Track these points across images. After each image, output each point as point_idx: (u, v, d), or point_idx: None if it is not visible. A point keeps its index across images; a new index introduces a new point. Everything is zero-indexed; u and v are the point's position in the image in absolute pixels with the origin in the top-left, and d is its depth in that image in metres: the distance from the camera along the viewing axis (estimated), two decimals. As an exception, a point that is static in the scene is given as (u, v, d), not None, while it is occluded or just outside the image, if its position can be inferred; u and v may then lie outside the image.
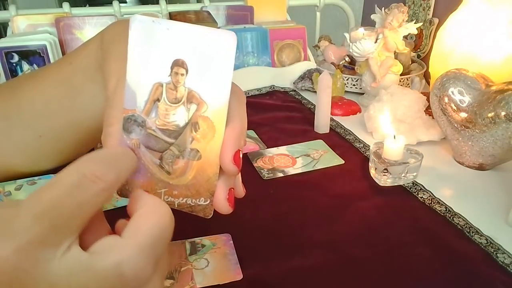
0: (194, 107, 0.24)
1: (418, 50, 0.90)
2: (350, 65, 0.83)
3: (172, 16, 0.87)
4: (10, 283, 0.17)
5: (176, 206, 0.26)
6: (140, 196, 0.23)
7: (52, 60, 0.73)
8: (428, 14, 0.88)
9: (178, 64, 0.23)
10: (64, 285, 0.18)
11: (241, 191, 0.28)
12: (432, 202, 0.44)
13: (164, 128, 0.24)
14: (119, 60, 0.25)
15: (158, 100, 0.24)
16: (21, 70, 0.73)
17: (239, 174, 0.27)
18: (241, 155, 0.25)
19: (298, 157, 0.54)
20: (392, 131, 0.47)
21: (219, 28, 0.87)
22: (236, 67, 0.83)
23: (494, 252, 0.36)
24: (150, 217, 0.22)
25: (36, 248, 0.18)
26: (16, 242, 0.17)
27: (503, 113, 0.45)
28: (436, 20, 0.86)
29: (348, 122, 0.64)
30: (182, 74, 0.23)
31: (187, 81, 0.23)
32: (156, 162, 0.25)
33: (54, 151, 0.43)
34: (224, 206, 0.25)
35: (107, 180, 0.20)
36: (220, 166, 0.25)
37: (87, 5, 0.99)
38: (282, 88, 0.81)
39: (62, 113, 0.40)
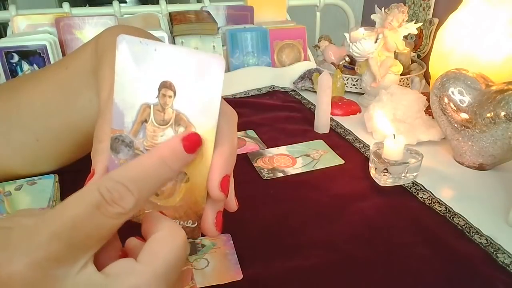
0: (182, 129, 0.23)
1: (418, 50, 0.90)
2: (350, 65, 0.83)
3: (172, 16, 0.87)
4: None
5: None
6: (157, 218, 0.23)
7: (52, 60, 0.73)
8: (428, 14, 0.88)
9: (166, 86, 0.23)
10: None
11: (233, 206, 0.28)
12: (432, 202, 0.44)
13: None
14: (113, 68, 0.25)
15: (146, 121, 0.24)
16: (21, 70, 0.73)
17: (232, 189, 0.27)
18: (229, 180, 0.24)
19: (298, 157, 0.54)
20: (392, 131, 0.47)
21: (219, 28, 0.87)
22: (236, 67, 0.83)
23: (494, 252, 0.36)
24: (168, 244, 0.21)
25: (51, 265, 0.18)
26: (31, 257, 0.17)
27: (503, 113, 0.45)
28: (436, 20, 0.86)
29: (348, 122, 0.64)
30: (170, 96, 0.23)
31: (175, 103, 0.23)
32: None
33: (52, 153, 0.43)
34: (211, 230, 0.25)
35: (125, 206, 0.19)
36: None
37: (87, 5, 0.99)
38: (282, 88, 0.81)
39: (60, 116, 0.40)
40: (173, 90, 0.23)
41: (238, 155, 0.48)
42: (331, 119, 0.64)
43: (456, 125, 0.50)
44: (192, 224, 0.25)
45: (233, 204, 0.27)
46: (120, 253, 0.22)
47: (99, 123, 0.26)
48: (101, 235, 0.19)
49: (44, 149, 0.42)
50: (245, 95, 0.77)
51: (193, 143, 0.22)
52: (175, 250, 0.21)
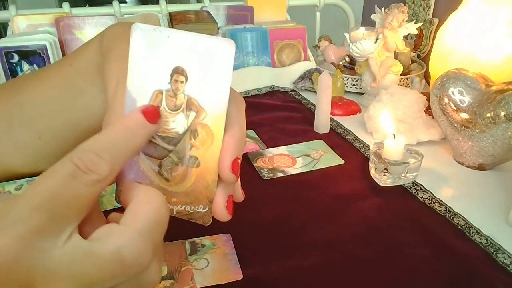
0: (193, 114, 0.24)
1: (418, 50, 0.90)
2: (350, 65, 0.83)
3: (172, 16, 0.87)
4: (12, 272, 0.17)
5: (174, 213, 0.26)
6: (132, 186, 0.23)
7: (52, 60, 0.73)
8: (428, 14, 0.88)
9: (178, 71, 0.24)
10: (66, 273, 0.18)
11: (240, 196, 0.28)
12: (432, 202, 0.44)
13: (164, 135, 0.24)
14: (119, 62, 0.25)
15: (158, 107, 0.24)
16: (21, 70, 0.73)
17: (239, 179, 0.27)
18: (239, 163, 0.25)
19: (298, 157, 0.54)
20: (393, 130, 0.47)
21: (219, 28, 0.87)
22: (236, 67, 0.83)
23: (494, 252, 0.36)
24: (146, 204, 0.22)
25: (36, 237, 0.18)
26: (15, 231, 0.17)
27: (503, 113, 0.45)
28: (436, 20, 0.86)
29: (348, 122, 0.64)
30: (182, 82, 0.24)
31: (187, 89, 0.24)
32: (155, 169, 0.25)
33: (54, 151, 0.43)
34: (222, 214, 0.26)
35: (100, 172, 0.20)
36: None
37: (87, 5, 0.99)
38: (282, 88, 0.81)
39: (62, 114, 0.40)
40: (185, 75, 0.24)
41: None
42: (331, 119, 0.64)
43: (456, 125, 0.50)
44: (203, 209, 0.26)
45: (239, 194, 0.28)
46: (104, 223, 0.23)
47: (107, 113, 0.26)
48: (81, 205, 0.20)
49: (46, 147, 0.42)
50: (245, 95, 0.77)
51: (151, 113, 0.23)
52: (155, 209, 0.22)
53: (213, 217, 0.26)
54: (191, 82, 0.24)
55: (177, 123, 0.24)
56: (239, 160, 0.25)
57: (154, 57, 0.23)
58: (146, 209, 0.21)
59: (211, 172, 0.25)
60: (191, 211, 0.26)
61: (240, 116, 0.26)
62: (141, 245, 0.20)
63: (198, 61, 0.23)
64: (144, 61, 0.24)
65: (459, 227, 0.40)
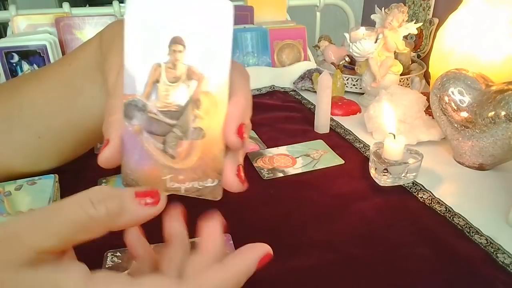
0: (195, 83, 0.23)
1: (418, 50, 0.90)
2: (350, 65, 0.83)
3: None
4: None
5: (183, 191, 0.25)
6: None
7: (52, 60, 0.73)
8: (428, 14, 0.88)
9: (176, 41, 0.23)
10: None
11: (239, 186, 0.26)
12: (432, 202, 0.44)
13: (166, 109, 0.24)
14: (119, 55, 0.24)
15: (158, 81, 0.23)
16: (21, 70, 0.73)
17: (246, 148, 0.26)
18: (244, 130, 0.24)
19: (298, 157, 0.54)
20: (395, 129, 0.47)
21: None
22: (236, 67, 0.83)
23: (494, 252, 0.36)
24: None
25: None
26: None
27: (503, 113, 0.45)
28: (436, 20, 0.86)
29: (348, 122, 0.64)
30: (180, 51, 0.23)
31: (186, 58, 0.23)
32: (159, 147, 0.24)
33: (54, 151, 0.44)
34: (235, 183, 0.24)
35: (98, 210, 0.20)
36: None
37: (87, 5, 0.99)
38: (282, 88, 0.81)
39: (62, 114, 0.40)
40: (183, 44, 0.23)
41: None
42: (331, 119, 0.64)
43: (456, 125, 0.50)
44: (212, 183, 0.25)
45: (239, 183, 0.25)
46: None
47: (108, 100, 0.26)
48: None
49: (45, 147, 0.43)
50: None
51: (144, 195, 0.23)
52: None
53: (223, 191, 0.25)
54: (190, 50, 0.23)
55: (178, 95, 0.23)
56: (244, 126, 0.24)
57: (150, 30, 0.23)
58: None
59: (218, 142, 0.24)
60: (200, 187, 0.25)
61: (244, 85, 0.25)
62: None
63: (196, 27, 0.23)
64: (139, 35, 0.23)
65: (459, 227, 0.40)
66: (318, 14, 1.08)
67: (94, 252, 0.31)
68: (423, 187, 0.47)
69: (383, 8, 0.68)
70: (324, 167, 0.51)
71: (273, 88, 0.81)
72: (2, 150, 0.42)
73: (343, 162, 0.52)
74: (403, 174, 0.47)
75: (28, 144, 0.42)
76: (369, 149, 0.54)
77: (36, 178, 0.43)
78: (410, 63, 0.81)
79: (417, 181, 0.48)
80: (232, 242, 0.37)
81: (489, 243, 0.37)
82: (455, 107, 0.51)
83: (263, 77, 0.82)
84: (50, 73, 0.41)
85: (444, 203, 0.43)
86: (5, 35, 0.81)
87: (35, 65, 0.73)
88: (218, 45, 0.23)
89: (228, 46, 0.23)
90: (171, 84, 0.23)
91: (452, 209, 0.42)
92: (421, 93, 0.62)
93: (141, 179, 0.25)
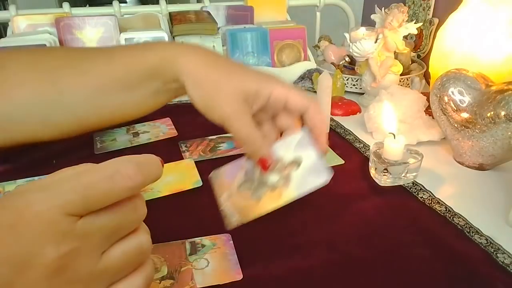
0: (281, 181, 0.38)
1: (418, 50, 0.90)
2: (350, 65, 0.83)
3: (172, 16, 0.87)
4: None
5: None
6: None
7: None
8: (428, 14, 0.88)
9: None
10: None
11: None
12: (432, 202, 0.44)
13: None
14: (230, 105, 0.38)
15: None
16: (21, 70, 0.72)
17: None
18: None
19: (298, 157, 0.53)
20: (394, 130, 0.47)
21: (219, 28, 0.86)
22: (236, 67, 0.83)
23: (494, 252, 0.36)
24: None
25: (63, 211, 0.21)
26: (53, 201, 0.21)
27: (503, 113, 0.45)
28: (436, 20, 0.86)
29: (348, 122, 0.64)
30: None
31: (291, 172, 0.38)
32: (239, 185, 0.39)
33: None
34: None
35: (135, 181, 0.23)
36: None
37: (87, 5, 0.99)
38: (282, 88, 0.81)
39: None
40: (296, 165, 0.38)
41: (237, 155, 0.48)
42: (331, 119, 0.64)
43: (456, 125, 0.50)
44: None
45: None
46: None
47: (230, 119, 0.38)
48: (106, 202, 0.23)
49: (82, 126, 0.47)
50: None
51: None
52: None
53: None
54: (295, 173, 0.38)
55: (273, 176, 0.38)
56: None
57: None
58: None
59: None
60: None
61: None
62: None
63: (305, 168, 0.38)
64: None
65: (459, 227, 0.40)
66: (318, 14, 1.08)
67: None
68: (423, 187, 0.47)
69: (383, 8, 0.68)
70: (324, 167, 0.51)
71: (273, 88, 0.80)
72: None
73: (343, 162, 0.52)
74: (403, 174, 0.47)
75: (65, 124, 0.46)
76: (369, 149, 0.54)
77: (36, 178, 0.43)
78: (410, 63, 0.81)
79: (417, 181, 0.48)
80: (232, 242, 0.37)
81: (489, 243, 0.37)
82: (455, 107, 0.51)
83: (263, 77, 0.82)
84: (97, 69, 0.44)
85: (444, 203, 0.43)
86: (5, 35, 0.81)
87: (35, 65, 0.73)
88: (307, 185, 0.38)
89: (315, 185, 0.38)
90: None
91: (452, 209, 0.42)
92: (421, 93, 0.62)
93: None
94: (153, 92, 0.44)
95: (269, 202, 0.37)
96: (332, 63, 0.86)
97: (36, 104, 0.43)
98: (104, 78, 0.43)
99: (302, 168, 0.38)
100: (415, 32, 0.68)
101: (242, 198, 0.38)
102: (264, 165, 0.38)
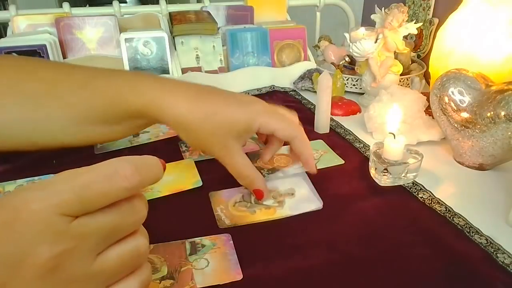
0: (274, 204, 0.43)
1: (418, 50, 0.90)
2: (350, 65, 0.83)
3: (172, 16, 0.87)
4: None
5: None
6: None
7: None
8: (428, 14, 0.88)
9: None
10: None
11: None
12: (432, 202, 0.44)
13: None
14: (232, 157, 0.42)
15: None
16: (21, 70, 0.72)
17: None
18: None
19: (298, 157, 0.53)
20: (395, 130, 0.47)
21: (219, 28, 0.87)
22: (236, 67, 0.83)
23: (494, 252, 0.36)
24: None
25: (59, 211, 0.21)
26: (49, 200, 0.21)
27: (503, 113, 0.45)
28: (436, 20, 0.86)
29: (348, 122, 0.64)
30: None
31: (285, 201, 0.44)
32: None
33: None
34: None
35: (132, 181, 0.23)
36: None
37: (87, 5, 0.99)
38: (282, 88, 0.81)
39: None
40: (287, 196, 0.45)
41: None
42: (331, 119, 0.64)
43: (456, 125, 0.50)
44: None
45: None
46: None
47: (228, 158, 0.43)
48: (103, 202, 0.23)
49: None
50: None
51: None
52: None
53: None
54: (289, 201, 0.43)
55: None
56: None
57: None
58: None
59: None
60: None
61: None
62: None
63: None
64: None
65: (459, 227, 0.40)
66: (318, 14, 1.08)
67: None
68: (423, 187, 0.47)
69: (383, 8, 0.68)
70: (324, 167, 0.51)
71: (273, 88, 0.81)
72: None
73: (343, 162, 0.52)
74: (403, 174, 0.47)
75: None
76: (369, 149, 0.54)
77: (36, 178, 0.43)
78: (410, 63, 0.81)
79: (417, 181, 0.48)
80: (232, 242, 0.37)
81: (489, 243, 0.37)
82: (455, 107, 0.51)
83: (263, 77, 0.82)
84: (100, 87, 0.44)
85: (444, 203, 0.43)
86: (5, 35, 0.81)
87: (35, 65, 0.73)
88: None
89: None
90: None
91: (452, 209, 0.42)
92: (421, 93, 0.62)
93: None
94: (137, 126, 0.46)
95: (263, 215, 0.41)
96: (332, 63, 0.86)
97: (18, 125, 0.43)
98: (88, 112, 0.43)
99: (296, 197, 0.44)
100: (415, 32, 0.68)
101: (237, 211, 0.41)
102: (259, 195, 0.43)
